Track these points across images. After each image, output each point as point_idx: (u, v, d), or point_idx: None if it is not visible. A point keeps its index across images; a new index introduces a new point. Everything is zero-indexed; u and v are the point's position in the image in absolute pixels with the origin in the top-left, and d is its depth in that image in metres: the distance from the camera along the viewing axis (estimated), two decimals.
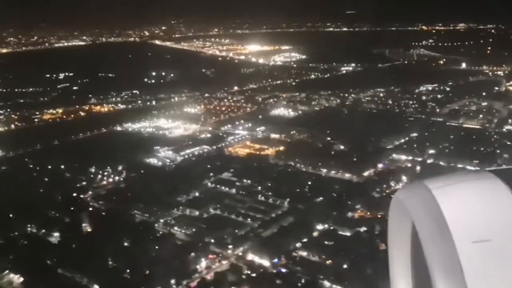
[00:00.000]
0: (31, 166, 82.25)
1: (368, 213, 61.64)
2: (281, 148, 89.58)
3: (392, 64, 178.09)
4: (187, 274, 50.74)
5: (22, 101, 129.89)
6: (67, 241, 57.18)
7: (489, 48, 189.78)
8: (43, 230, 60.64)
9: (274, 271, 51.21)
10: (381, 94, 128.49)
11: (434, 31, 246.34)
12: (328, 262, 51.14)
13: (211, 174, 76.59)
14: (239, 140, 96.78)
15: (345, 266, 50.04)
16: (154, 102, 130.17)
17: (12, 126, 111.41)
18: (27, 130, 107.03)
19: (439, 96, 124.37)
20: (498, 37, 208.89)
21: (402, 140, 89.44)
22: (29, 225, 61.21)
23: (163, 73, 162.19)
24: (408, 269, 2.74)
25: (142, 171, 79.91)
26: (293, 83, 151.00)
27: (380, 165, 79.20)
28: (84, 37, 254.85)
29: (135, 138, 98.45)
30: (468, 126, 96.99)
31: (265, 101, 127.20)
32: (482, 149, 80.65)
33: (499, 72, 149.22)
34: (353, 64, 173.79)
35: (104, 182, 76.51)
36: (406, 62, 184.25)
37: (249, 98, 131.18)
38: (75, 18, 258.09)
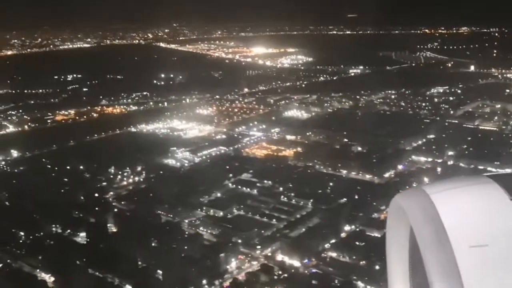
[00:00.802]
0: (49, 166, 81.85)
1: None
2: (299, 149, 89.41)
3: (400, 67, 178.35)
4: (218, 274, 50.48)
5: (32, 102, 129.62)
6: (94, 241, 56.75)
7: (495, 51, 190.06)
8: (68, 230, 60.28)
9: (306, 271, 50.96)
10: (393, 96, 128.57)
11: (437, 34, 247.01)
12: (362, 263, 50.83)
13: (231, 175, 76.34)
14: (255, 141, 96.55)
15: (377, 267, 49.75)
16: (166, 104, 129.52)
17: (26, 127, 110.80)
18: (41, 131, 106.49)
19: (451, 98, 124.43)
20: (502, 40, 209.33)
21: (420, 142, 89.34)
22: (53, 225, 60.83)
23: (171, 75, 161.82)
24: (406, 273, 2.72)
25: (161, 172, 79.73)
26: (303, 85, 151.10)
27: (400, 167, 79.06)
28: (88, 39, 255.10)
29: (151, 139, 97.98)
30: (485, 128, 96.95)
31: (277, 102, 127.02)
32: (500, 150, 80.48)
33: (509, 75, 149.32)
34: (361, 67, 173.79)
35: (124, 183, 76.24)
36: (413, 64, 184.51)
37: (261, 100, 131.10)
38: (77, 21, 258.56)
